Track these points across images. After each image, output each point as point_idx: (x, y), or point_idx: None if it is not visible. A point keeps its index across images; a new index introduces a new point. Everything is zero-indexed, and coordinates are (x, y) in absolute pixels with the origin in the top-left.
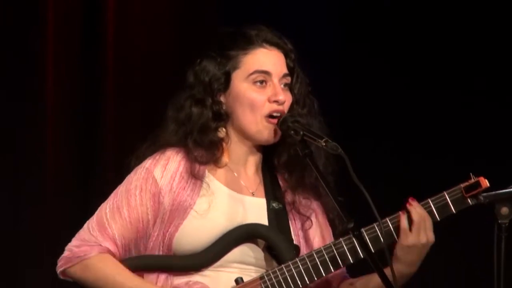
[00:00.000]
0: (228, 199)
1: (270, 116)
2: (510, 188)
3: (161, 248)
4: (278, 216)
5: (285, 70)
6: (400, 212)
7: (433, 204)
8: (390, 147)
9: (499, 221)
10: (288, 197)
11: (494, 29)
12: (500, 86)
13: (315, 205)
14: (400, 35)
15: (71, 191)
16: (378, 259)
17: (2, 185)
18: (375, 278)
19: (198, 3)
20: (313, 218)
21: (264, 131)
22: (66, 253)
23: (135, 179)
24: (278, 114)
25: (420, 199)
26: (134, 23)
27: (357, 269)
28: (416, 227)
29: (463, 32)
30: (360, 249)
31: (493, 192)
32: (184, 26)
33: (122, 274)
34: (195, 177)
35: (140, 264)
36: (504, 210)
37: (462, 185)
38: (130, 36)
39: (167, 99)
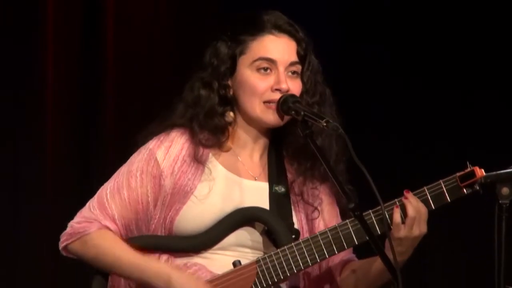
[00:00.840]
0: (229, 183)
1: (268, 102)
2: (511, 169)
3: (162, 231)
4: (280, 200)
5: (293, 58)
6: (395, 206)
7: (428, 192)
8: (391, 146)
9: (500, 202)
10: (296, 186)
11: (493, 28)
12: (500, 80)
13: (323, 194)
14: (400, 35)
15: (71, 191)
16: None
17: (1, 185)
18: (375, 264)
19: (198, 3)
20: (320, 208)
21: (263, 114)
22: (67, 229)
23: (138, 160)
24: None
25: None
26: (134, 23)
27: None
28: (410, 221)
29: (462, 30)
30: (355, 236)
31: (494, 173)
32: (183, 26)
33: (120, 248)
34: (198, 161)
35: (143, 243)
36: (505, 190)
37: (457, 174)
38: (130, 36)
39: (167, 99)
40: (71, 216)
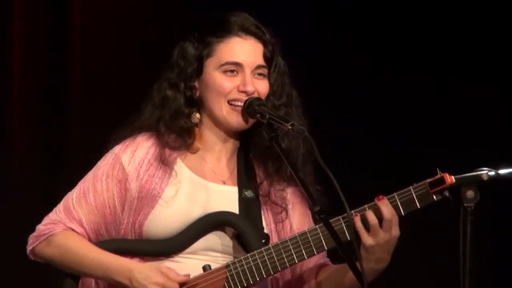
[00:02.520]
0: (195, 186)
1: (232, 103)
2: (476, 172)
3: (132, 235)
4: (249, 205)
5: (259, 61)
6: (354, 214)
7: (398, 198)
8: (370, 138)
9: (465, 205)
10: (264, 188)
11: (488, 26)
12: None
13: (291, 196)
14: (385, 32)
15: (38, 184)
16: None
17: None
18: (350, 273)
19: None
20: (289, 210)
21: (228, 116)
22: (34, 232)
23: (103, 165)
24: (239, 103)
25: (396, 186)
26: (101, 21)
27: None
28: (374, 228)
29: (454, 25)
30: (325, 241)
31: (459, 176)
32: (152, 23)
33: (84, 246)
34: (165, 163)
35: (113, 247)
36: (470, 193)
37: (427, 181)
38: (97, 34)
39: (136, 97)
40: (38, 206)
